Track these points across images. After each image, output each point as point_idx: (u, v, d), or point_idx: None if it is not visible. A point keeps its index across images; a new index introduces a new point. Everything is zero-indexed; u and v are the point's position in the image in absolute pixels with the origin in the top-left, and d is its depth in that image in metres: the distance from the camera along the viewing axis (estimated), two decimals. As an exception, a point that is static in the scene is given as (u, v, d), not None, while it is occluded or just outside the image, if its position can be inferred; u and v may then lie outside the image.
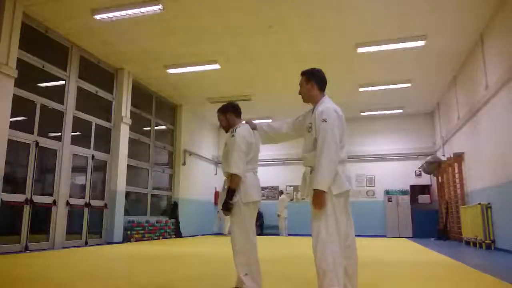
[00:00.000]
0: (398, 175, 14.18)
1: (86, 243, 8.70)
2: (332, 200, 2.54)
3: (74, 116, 8.66)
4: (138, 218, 10.71)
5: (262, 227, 15.06)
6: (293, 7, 7.20)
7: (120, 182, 9.78)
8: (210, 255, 6.88)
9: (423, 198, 13.88)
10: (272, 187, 15.72)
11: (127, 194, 10.38)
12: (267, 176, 15.86)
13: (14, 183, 7.31)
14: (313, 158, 2.62)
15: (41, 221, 7.70)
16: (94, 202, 9.12)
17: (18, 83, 7.04)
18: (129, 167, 10.32)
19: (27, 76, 7.42)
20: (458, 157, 10.50)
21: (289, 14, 7.45)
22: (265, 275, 4.19)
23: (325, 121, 2.57)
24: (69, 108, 8.52)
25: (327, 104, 2.69)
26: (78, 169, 8.92)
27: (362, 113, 13.93)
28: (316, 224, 2.55)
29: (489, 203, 8.11)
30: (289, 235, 13.60)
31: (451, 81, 10.84)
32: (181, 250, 7.89)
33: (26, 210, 7.22)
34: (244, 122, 3.29)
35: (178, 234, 12.27)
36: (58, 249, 7.72)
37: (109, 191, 9.64)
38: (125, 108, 10.21)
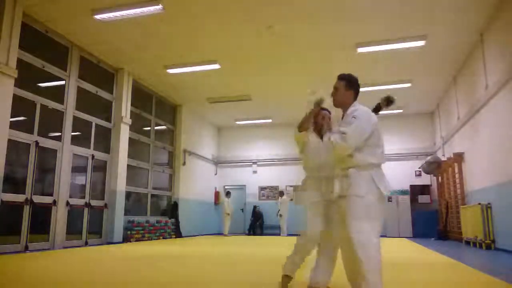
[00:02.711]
0: (398, 175, 14.14)
1: (86, 243, 8.70)
2: (379, 199, 2.58)
3: (74, 116, 8.65)
4: (138, 218, 10.71)
5: (262, 227, 15.09)
6: (293, 7, 7.20)
7: (120, 182, 9.78)
8: (210, 255, 6.88)
9: (423, 198, 13.88)
10: (272, 187, 15.72)
11: (127, 194, 10.38)
12: (267, 176, 15.90)
13: (14, 183, 7.30)
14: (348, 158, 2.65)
15: (41, 221, 7.70)
16: (94, 202, 9.12)
17: (18, 83, 7.04)
18: (129, 167, 10.32)
19: (27, 76, 7.41)
20: (458, 157, 10.49)
21: (289, 14, 7.45)
22: (267, 274, 4.20)
23: (355, 118, 2.64)
24: (69, 108, 8.52)
25: (360, 106, 2.74)
26: (78, 169, 8.91)
27: (362, 113, 13.89)
28: (359, 222, 2.52)
29: (489, 203, 8.10)
30: (289, 235, 13.59)
31: (451, 81, 10.84)
32: (182, 250, 7.88)
33: (26, 210, 7.22)
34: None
35: (178, 234, 12.27)
36: (58, 249, 7.72)
37: (109, 191, 9.63)
38: (125, 108, 10.21)
